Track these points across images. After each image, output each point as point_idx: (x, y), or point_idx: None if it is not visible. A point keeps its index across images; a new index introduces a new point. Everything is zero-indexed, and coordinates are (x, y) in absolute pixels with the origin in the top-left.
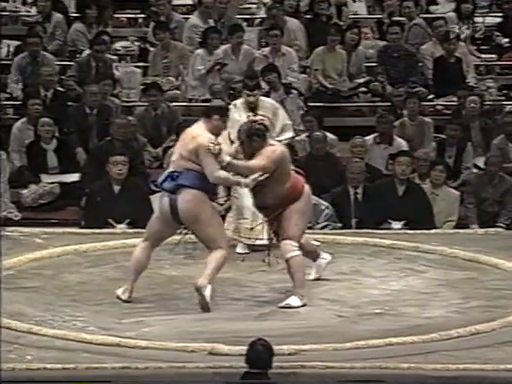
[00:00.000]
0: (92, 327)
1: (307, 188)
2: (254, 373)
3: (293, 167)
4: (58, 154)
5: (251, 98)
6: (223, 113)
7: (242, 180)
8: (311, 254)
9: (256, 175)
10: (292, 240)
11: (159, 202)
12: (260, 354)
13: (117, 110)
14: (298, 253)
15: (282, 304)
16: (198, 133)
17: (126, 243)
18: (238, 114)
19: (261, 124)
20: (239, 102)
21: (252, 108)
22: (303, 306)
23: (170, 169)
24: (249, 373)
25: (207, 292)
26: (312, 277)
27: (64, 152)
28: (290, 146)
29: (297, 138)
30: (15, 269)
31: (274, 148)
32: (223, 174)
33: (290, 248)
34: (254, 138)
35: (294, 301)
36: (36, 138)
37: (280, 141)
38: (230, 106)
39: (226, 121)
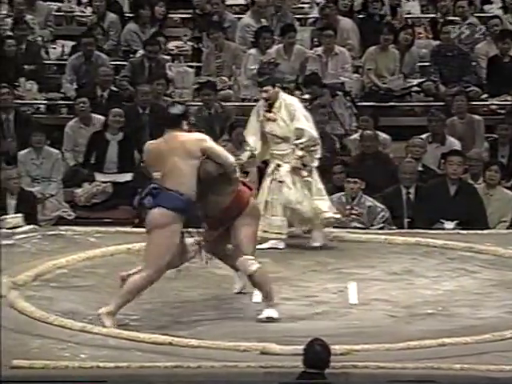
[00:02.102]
0: (144, 326)
1: (253, 201)
2: (311, 373)
3: (242, 179)
4: (119, 148)
5: (263, 93)
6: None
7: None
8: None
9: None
10: (247, 255)
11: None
12: (318, 354)
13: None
14: (257, 265)
15: (263, 318)
16: (182, 137)
17: None
18: (256, 113)
19: None
20: (261, 101)
21: (269, 104)
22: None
23: (152, 185)
24: (306, 373)
25: (108, 323)
26: (237, 290)
27: (125, 148)
28: (343, 145)
29: (350, 138)
30: (68, 267)
31: None
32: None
33: (248, 263)
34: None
35: (272, 313)
36: (103, 127)
37: (296, 145)
38: (255, 106)
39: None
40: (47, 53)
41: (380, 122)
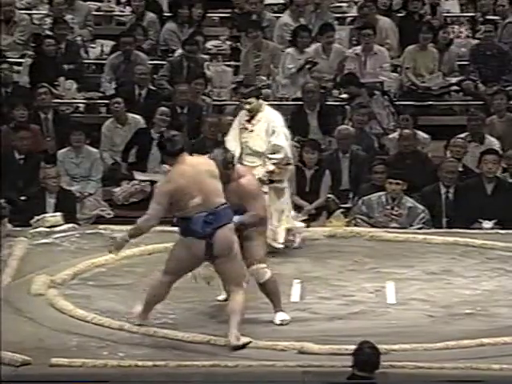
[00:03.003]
0: (182, 325)
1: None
2: (361, 376)
3: None
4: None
5: (246, 105)
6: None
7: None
8: None
9: None
10: (261, 262)
11: (191, 245)
12: (369, 356)
13: (208, 108)
14: (270, 273)
15: (278, 322)
16: (201, 160)
17: None
18: (238, 120)
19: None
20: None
21: (252, 116)
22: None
23: (202, 213)
24: (356, 375)
25: (242, 341)
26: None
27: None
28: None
29: (388, 137)
30: (107, 266)
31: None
32: None
33: (263, 271)
34: (229, 166)
35: (285, 316)
36: (148, 125)
37: (270, 159)
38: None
39: None
40: (86, 52)
41: (419, 121)
